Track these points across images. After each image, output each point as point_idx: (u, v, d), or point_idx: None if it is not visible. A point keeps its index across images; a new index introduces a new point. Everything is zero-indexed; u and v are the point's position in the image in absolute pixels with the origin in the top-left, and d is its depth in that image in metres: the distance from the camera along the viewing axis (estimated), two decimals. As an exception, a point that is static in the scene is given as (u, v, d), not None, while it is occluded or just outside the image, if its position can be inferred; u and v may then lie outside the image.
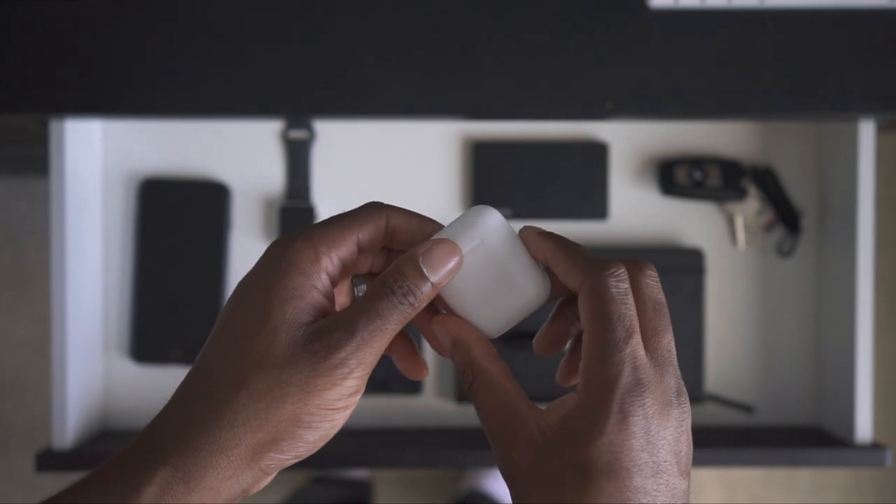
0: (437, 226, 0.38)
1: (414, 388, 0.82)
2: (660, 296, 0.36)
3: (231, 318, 0.35)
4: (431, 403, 0.83)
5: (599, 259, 0.36)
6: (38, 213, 1.45)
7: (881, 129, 0.79)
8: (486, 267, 0.38)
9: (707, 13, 0.72)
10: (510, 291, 0.39)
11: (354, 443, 0.78)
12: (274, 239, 0.51)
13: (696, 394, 0.81)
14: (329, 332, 0.34)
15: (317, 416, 0.34)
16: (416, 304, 0.35)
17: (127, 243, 0.83)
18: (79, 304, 0.78)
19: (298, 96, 0.73)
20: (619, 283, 0.34)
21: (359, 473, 1.35)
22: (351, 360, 0.34)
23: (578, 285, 0.35)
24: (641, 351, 0.34)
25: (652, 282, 0.36)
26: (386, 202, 0.39)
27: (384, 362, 0.38)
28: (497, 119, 0.81)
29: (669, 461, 0.33)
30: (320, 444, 0.35)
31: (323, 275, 0.36)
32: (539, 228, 0.39)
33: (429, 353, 0.82)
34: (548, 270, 0.39)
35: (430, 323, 0.39)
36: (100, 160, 0.82)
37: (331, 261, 0.36)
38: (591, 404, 0.33)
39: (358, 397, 0.35)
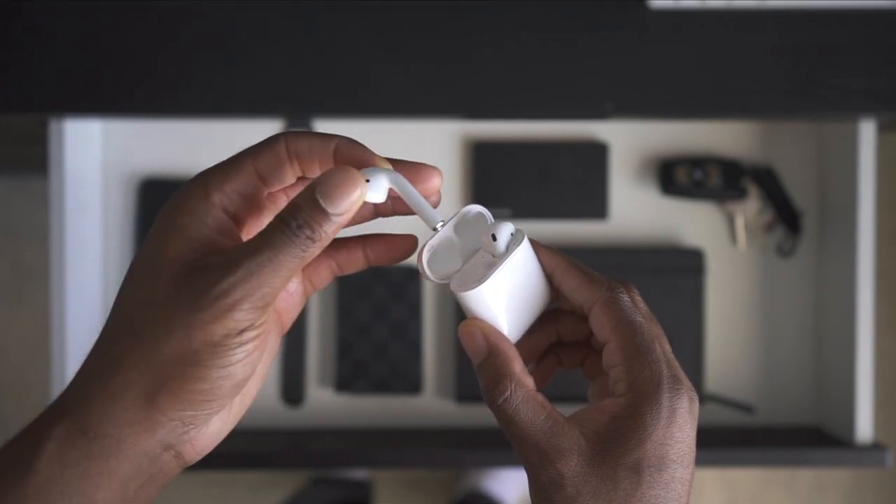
0: (340, 141, 0.36)
1: (414, 388, 0.82)
2: (648, 308, 0.39)
3: (129, 270, 0.35)
4: (431, 403, 0.83)
5: (603, 277, 0.39)
6: (38, 213, 1.45)
7: (881, 129, 0.79)
8: (514, 275, 0.38)
9: (707, 13, 0.72)
10: (530, 299, 0.39)
11: (354, 443, 0.77)
12: None
13: (697, 394, 0.81)
14: (212, 264, 0.33)
15: (205, 353, 0.32)
16: (316, 238, 0.33)
17: (127, 243, 0.83)
18: (79, 304, 0.77)
19: (298, 96, 0.73)
20: (628, 298, 0.38)
21: (359, 474, 1.35)
22: (234, 291, 0.32)
23: (592, 299, 0.38)
24: (666, 351, 0.37)
25: (640, 297, 0.39)
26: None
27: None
28: (497, 119, 0.81)
29: (693, 450, 0.36)
30: (220, 395, 0.33)
31: (215, 210, 0.34)
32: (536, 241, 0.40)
33: (429, 356, 0.82)
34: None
35: (463, 324, 0.38)
36: (99, 160, 0.82)
37: (225, 195, 0.34)
38: (641, 403, 0.36)
39: (253, 336, 0.33)
